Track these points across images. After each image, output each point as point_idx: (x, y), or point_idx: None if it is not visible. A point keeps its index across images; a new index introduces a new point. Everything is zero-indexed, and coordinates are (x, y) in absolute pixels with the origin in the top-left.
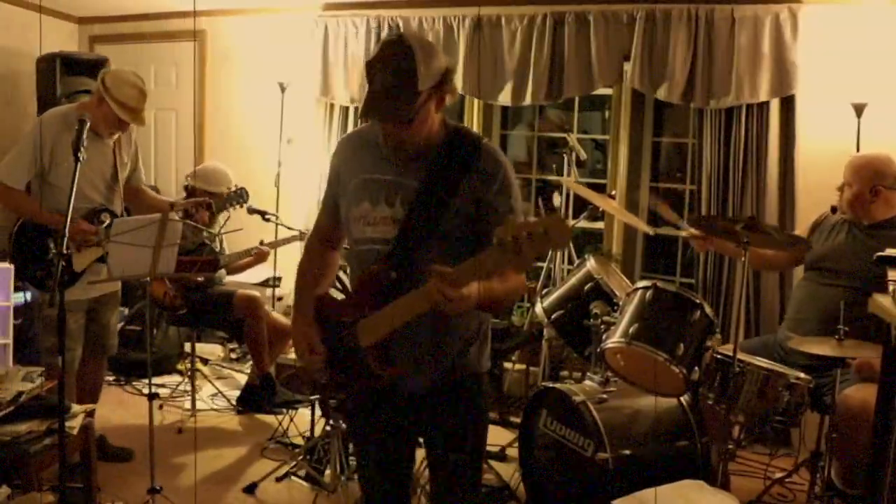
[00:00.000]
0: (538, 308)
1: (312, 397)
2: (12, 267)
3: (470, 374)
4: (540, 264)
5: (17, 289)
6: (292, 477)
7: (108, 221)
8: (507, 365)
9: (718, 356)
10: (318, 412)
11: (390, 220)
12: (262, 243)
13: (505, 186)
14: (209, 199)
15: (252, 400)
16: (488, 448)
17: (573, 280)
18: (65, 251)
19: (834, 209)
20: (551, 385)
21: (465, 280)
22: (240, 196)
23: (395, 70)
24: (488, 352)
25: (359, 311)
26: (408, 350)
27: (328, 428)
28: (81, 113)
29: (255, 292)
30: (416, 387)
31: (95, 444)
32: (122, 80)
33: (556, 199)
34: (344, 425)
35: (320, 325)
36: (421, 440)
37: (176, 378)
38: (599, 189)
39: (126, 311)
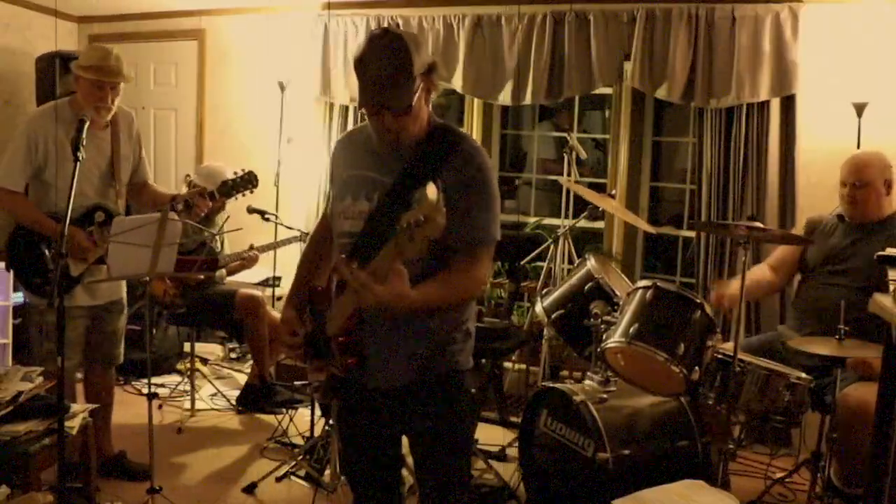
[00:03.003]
0: (538, 308)
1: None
2: None
3: (447, 372)
4: (540, 264)
5: (16, 288)
6: (292, 477)
7: (102, 219)
8: (507, 365)
9: (719, 356)
10: (318, 412)
11: (366, 215)
12: (251, 248)
13: (474, 188)
14: (211, 189)
15: (252, 400)
16: (488, 448)
17: (573, 279)
18: (63, 251)
19: (841, 217)
20: (551, 385)
21: (382, 272)
22: (248, 181)
23: (390, 58)
24: (469, 350)
25: (328, 301)
26: (376, 344)
27: (328, 428)
28: (75, 109)
29: (257, 292)
30: (387, 382)
31: (113, 460)
32: (85, 51)
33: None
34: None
35: (311, 313)
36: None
37: (175, 378)
38: (599, 189)
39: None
